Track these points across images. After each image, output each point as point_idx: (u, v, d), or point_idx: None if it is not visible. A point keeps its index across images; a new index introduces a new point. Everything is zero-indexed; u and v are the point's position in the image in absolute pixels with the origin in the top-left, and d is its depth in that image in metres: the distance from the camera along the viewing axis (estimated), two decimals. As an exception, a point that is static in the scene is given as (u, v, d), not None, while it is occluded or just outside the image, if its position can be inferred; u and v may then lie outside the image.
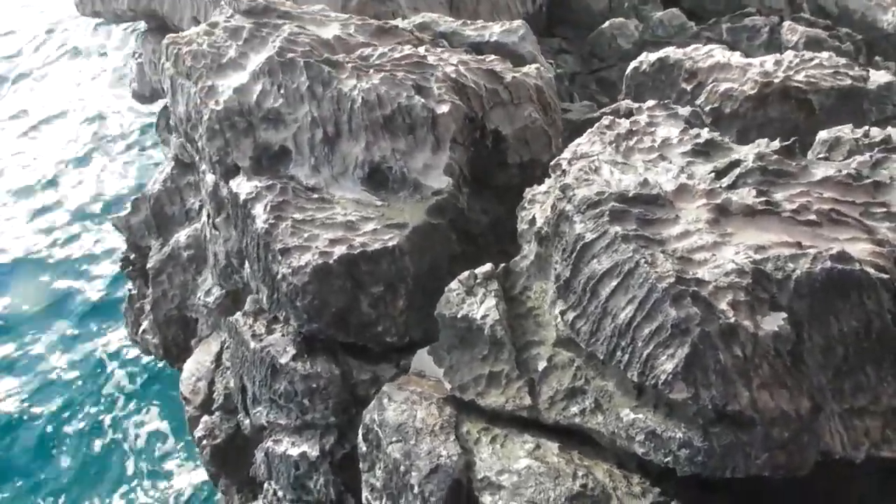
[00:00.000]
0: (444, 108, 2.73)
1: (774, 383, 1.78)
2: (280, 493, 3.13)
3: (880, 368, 1.90)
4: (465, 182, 2.84)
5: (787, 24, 5.51)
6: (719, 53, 4.23)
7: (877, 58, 5.41)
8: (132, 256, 5.07)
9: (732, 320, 1.77)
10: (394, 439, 2.24)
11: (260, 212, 2.60)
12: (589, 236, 2.07)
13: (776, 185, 2.22)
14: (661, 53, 4.23)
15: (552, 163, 2.64)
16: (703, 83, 4.14)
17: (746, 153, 2.31)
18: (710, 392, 1.76)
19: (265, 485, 3.32)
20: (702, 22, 5.93)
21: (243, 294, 3.78)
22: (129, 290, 5.28)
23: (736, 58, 4.21)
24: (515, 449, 2.18)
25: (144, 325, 4.87)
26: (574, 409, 2.16)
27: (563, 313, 2.16)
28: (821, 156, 2.79)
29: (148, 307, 4.77)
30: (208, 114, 2.77)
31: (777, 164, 2.28)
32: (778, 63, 3.79)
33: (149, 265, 4.72)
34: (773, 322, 1.79)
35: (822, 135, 2.90)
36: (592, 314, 2.02)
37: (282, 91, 2.78)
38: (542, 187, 2.62)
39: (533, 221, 2.50)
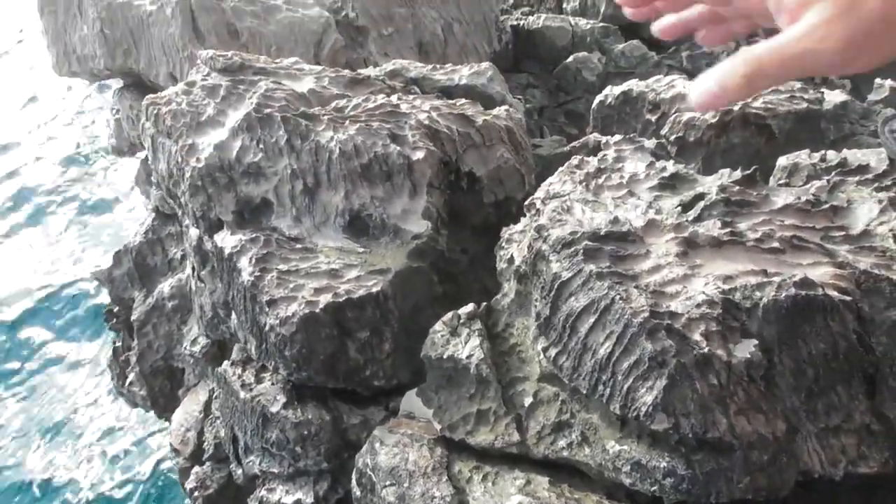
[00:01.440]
0: (419, 155, 2.82)
1: (750, 408, 1.86)
2: (276, 542, 3.13)
3: (850, 387, 1.99)
4: (444, 224, 2.92)
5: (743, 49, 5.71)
6: (680, 84, 4.39)
7: (832, 76, 5.62)
8: (115, 309, 5.07)
9: (706, 350, 1.85)
10: (387, 483, 2.28)
11: (245, 264, 2.64)
12: (565, 275, 2.15)
13: (739, 215, 2.33)
14: (624, 87, 4.38)
15: (526, 202, 2.73)
16: (667, 113, 4.28)
17: (710, 185, 2.42)
18: (689, 421, 1.84)
19: (260, 534, 3.31)
20: (662, 51, 6.14)
21: (230, 343, 3.81)
22: (114, 342, 5.27)
23: (697, 87, 4.35)
24: (507, 486, 2.23)
25: (131, 377, 4.86)
26: (561, 442, 2.22)
27: (545, 350, 2.23)
28: (781, 182, 2.92)
29: (133, 359, 4.77)
30: (190, 171, 2.83)
31: (739, 195, 2.40)
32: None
33: (133, 317, 4.73)
34: (745, 349, 1.88)
35: (782, 161, 3.04)
36: (573, 350, 2.09)
37: (261, 146, 2.85)
38: (519, 226, 2.70)
39: (511, 260, 2.58)
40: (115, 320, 5.08)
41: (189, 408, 4.35)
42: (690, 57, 5.99)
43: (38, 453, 7.90)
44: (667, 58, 6.05)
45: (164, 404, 4.77)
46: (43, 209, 10.90)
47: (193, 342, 4.31)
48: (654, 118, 4.17)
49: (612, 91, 4.40)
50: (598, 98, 4.45)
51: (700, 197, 2.35)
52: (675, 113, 4.07)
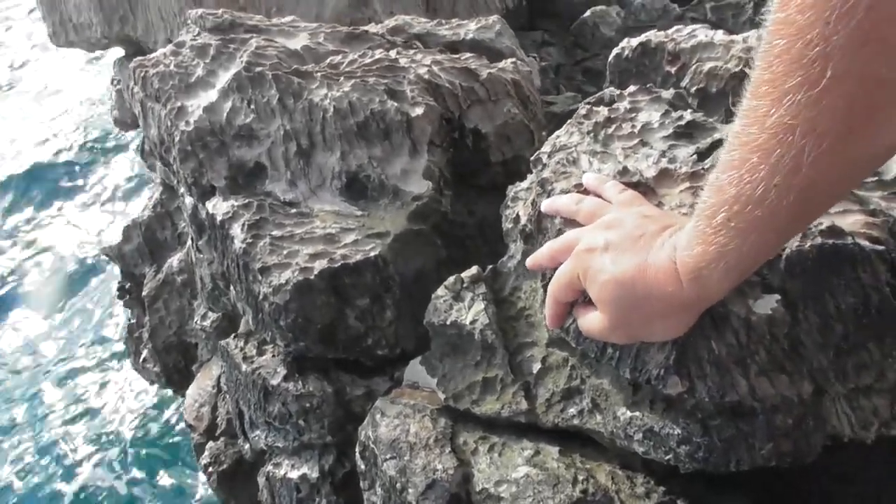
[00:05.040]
0: (418, 111, 2.66)
1: (773, 369, 1.69)
2: (285, 517, 3.07)
3: (883, 344, 1.80)
4: (447, 184, 2.77)
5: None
6: (702, 33, 4.13)
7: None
8: (127, 285, 5.03)
9: (722, 307, 1.69)
10: (388, 456, 2.17)
11: (238, 231, 2.53)
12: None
13: (762, 162, 2.14)
14: (642, 38, 4.13)
15: (532, 157, 2.56)
16: (688, 64, 4.03)
17: (728, 131, 2.24)
18: (705, 384, 1.68)
19: (271, 509, 3.25)
20: (684, 3, 5.84)
21: (234, 316, 3.72)
22: (129, 319, 5.24)
23: (719, 35, 4.11)
24: (514, 457, 2.10)
25: (144, 353, 4.83)
26: (572, 410, 2.08)
27: (551, 312, 2.08)
28: (809, 128, 2.71)
29: (146, 335, 4.72)
30: (179, 135, 2.71)
31: (762, 141, 2.20)
32: (760, 38, 3.72)
33: (144, 293, 4.68)
34: (766, 305, 1.71)
35: (810, 107, 2.82)
36: (580, 311, 1.94)
37: (252, 106, 2.71)
38: (524, 183, 2.54)
39: (517, 219, 2.42)
40: (127, 297, 5.04)
41: (202, 383, 4.30)
42: (715, 8, 5.68)
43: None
44: (690, 10, 5.75)
45: (178, 380, 4.73)
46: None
47: (203, 317, 4.24)
48: (673, 69, 3.93)
49: (629, 43, 4.15)
50: (615, 51, 4.20)
51: (718, 143, 2.16)
52: (696, 63, 3.84)
